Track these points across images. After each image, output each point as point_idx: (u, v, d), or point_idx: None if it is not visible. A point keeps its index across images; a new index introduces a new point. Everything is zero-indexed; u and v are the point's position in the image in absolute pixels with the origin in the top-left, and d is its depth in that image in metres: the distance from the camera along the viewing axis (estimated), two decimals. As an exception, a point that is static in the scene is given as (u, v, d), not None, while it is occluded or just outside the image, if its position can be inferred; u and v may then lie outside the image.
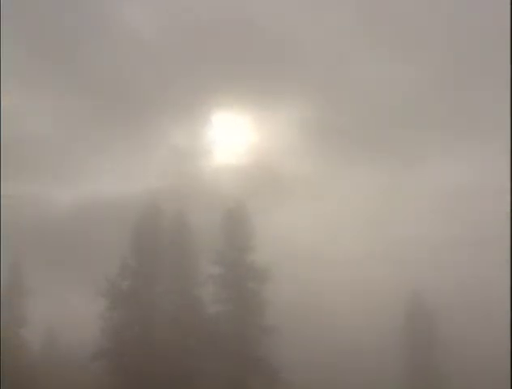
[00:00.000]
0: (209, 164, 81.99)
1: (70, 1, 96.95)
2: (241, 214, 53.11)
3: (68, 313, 62.36)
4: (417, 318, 61.41)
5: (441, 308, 58.96)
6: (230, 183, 69.90)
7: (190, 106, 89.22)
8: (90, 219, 71.45)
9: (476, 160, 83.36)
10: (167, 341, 50.58)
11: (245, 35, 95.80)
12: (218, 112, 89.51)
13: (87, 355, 50.42)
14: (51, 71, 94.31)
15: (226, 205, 53.54)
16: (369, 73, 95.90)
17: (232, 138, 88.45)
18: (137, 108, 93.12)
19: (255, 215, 53.30)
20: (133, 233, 53.51)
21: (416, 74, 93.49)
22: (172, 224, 54.60)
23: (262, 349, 50.18)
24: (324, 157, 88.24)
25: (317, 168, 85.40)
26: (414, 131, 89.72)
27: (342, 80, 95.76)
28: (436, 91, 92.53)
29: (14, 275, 57.48)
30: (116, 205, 69.30)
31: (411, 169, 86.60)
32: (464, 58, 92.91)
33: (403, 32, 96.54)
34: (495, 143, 78.36)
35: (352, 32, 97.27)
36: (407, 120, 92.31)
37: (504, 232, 56.31)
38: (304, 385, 52.48)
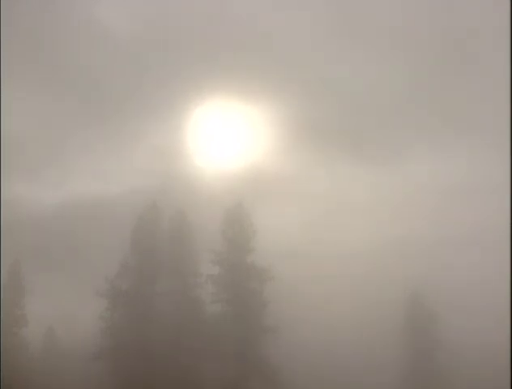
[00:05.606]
0: (200, 164, 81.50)
1: (47, 1, 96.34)
2: (240, 214, 53.16)
3: (68, 313, 62.42)
4: (417, 318, 61.36)
5: (441, 308, 58.90)
6: (223, 184, 69.60)
7: (175, 105, 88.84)
8: (90, 219, 71.42)
9: (467, 158, 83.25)
10: (166, 341, 50.63)
11: (229, 33, 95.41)
12: (204, 111, 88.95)
13: (87, 355, 50.48)
14: (35, 72, 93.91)
15: (223, 205, 53.63)
16: (356, 72, 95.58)
17: (218, 137, 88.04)
18: (124, 107, 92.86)
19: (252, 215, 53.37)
20: (132, 234, 53.62)
21: (400, 72, 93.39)
22: (172, 224, 54.66)
23: (262, 349, 50.22)
24: (317, 156, 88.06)
25: (309, 167, 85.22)
26: (404, 130, 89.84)
27: (332, 80, 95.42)
28: (422, 89, 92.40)
29: (14, 275, 57.40)
30: (114, 205, 69.34)
31: (407, 168, 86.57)
32: (445, 56, 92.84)
33: (386, 31, 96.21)
34: (488, 140, 78.72)
35: (338, 31, 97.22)
36: (397, 119, 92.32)
37: (504, 232, 56.36)
38: (303, 385, 52.50)
